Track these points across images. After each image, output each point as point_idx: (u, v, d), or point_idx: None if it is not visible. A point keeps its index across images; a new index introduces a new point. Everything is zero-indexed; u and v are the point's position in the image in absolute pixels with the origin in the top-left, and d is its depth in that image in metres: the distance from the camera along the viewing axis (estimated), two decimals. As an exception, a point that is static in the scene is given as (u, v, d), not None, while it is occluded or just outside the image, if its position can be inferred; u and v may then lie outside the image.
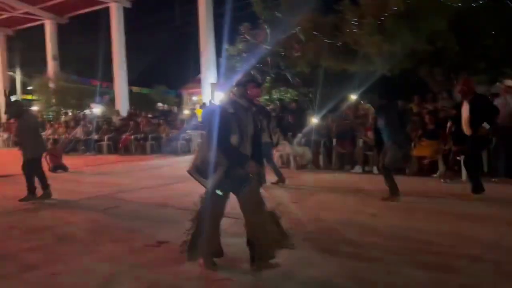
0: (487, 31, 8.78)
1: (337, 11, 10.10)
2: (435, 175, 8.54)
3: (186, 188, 7.22)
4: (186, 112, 17.81)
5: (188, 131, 15.89)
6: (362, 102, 12.76)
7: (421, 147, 8.91)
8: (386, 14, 9.01)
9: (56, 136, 15.66)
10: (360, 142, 10.04)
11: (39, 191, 7.42)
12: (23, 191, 7.37)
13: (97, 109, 21.61)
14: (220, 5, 18.24)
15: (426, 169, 8.86)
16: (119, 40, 21.31)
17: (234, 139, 3.65)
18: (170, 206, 6.68)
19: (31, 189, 7.32)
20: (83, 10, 22.94)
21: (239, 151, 3.68)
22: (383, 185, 7.44)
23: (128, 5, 21.39)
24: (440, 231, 4.90)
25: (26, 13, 23.77)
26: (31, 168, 7.34)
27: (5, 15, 24.09)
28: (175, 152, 14.83)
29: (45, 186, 7.46)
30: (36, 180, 7.47)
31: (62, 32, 24.47)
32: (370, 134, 9.95)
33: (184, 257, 3.95)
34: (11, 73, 30.42)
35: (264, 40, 13.37)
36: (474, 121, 6.24)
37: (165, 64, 33.27)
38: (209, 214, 3.84)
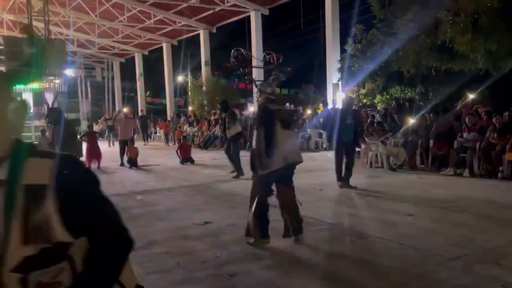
0: None
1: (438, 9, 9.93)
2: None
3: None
4: (308, 111, 18.67)
5: (308, 130, 16.78)
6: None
7: (515, 150, 8.38)
8: (480, 12, 8.62)
9: (185, 133, 17.99)
10: (456, 143, 9.75)
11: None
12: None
13: (252, 108, 23.64)
14: (344, 9, 18.71)
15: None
16: (257, 44, 23.15)
17: None
18: (242, 195, 7.78)
19: None
20: (229, 19, 25.41)
21: None
22: (455, 188, 7.49)
23: (266, 12, 23.12)
24: (458, 239, 5.05)
25: (185, 25, 27.26)
26: None
27: (169, 28, 27.99)
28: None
29: None
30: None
31: (212, 40, 27.46)
32: (466, 135, 9.69)
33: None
34: (181, 77, 34.85)
35: (377, 40, 13.53)
36: None
37: (310, 65, 34.54)
38: None
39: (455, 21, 9.05)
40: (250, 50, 24.00)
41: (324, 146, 16.16)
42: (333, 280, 3.88)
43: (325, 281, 3.87)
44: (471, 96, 12.84)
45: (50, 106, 22.21)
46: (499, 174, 8.64)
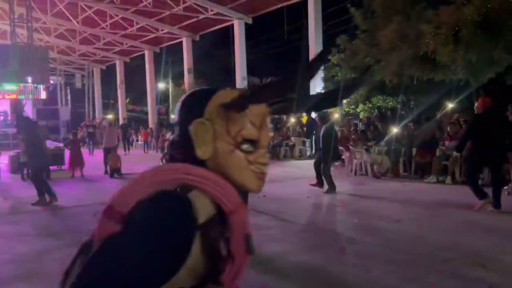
0: None
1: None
2: (506, 187, 8.28)
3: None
4: (292, 120, 18.86)
5: (292, 138, 16.98)
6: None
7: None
8: (461, 24, 8.94)
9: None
10: (438, 152, 10.03)
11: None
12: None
13: None
14: (328, 19, 19.06)
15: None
16: (241, 52, 23.33)
17: None
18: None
19: (43, 192, 8.14)
20: (213, 28, 25.56)
21: None
22: (439, 195, 7.73)
23: (249, 21, 23.33)
24: (445, 243, 5.23)
25: (168, 33, 27.30)
26: (38, 176, 8.27)
27: (151, 35, 27.99)
28: (277, 158, 15.96)
29: (41, 193, 8.15)
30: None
31: (195, 48, 27.55)
32: (447, 143, 9.99)
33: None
34: (163, 84, 34.75)
35: (360, 50, 13.81)
36: None
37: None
38: None
39: (437, 33, 9.37)
40: (233, 58, 24.24)
41: (308, 154, 16.35)
42: (327, 284, 4.00)
43: (319, 285, 3.98)
44: (450, 105, 13.24)
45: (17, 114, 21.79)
46: (480, 181, 8.89)
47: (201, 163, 1.01)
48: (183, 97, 1.12)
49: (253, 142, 1.03)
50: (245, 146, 1.03)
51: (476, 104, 6.87)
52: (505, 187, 8.31)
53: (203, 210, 0.92)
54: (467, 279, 4.02)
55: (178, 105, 1.11)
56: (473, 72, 9.59)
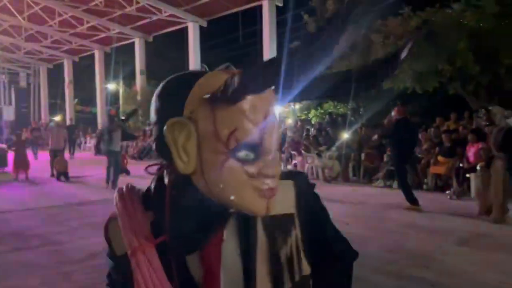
0: (509, 51, 8.78)
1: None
2: (448, 192, 8.71)
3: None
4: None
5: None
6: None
7: (437, 164, 9.11)
8: (408, 35, 9.36)
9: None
10: (386, 157, 10.40)
11: None
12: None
13: None
14: (282, 25, 19.34)
15: (442, 186, 9.05)
16: (195, 55, 23.21)
17: None
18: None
19: None
20: (166, 29, 25.26)
21: None
22: (386, 198, 8.00)
23: (204, 24, 23.25)
24: (390, 245, 5.43)
25: (119, 33, 26.71)
26: None
27: (102, 35, 27.29)
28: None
29: None
30: None
31: (148, 48, 27.14)
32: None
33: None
34: (113, 85, 33.87)
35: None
36: None
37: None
38: None
39: (385, 43, 9.75)
40: (187, 60, 24.03)
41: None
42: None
43: None
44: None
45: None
46: (424, 186, 9.32)
47: (187, 178, 0.76)
48: (158, 87, 0.84)
49: (253, 147, 0.74)
50: (242, 154, 0.73)
51: (393, 112, 7.41)
52: (447, 192, 8.76)
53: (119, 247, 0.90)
54: (411, 279, 4.19)
55: (154, 98, 0.84)
56: (419, 81, 10.04)
